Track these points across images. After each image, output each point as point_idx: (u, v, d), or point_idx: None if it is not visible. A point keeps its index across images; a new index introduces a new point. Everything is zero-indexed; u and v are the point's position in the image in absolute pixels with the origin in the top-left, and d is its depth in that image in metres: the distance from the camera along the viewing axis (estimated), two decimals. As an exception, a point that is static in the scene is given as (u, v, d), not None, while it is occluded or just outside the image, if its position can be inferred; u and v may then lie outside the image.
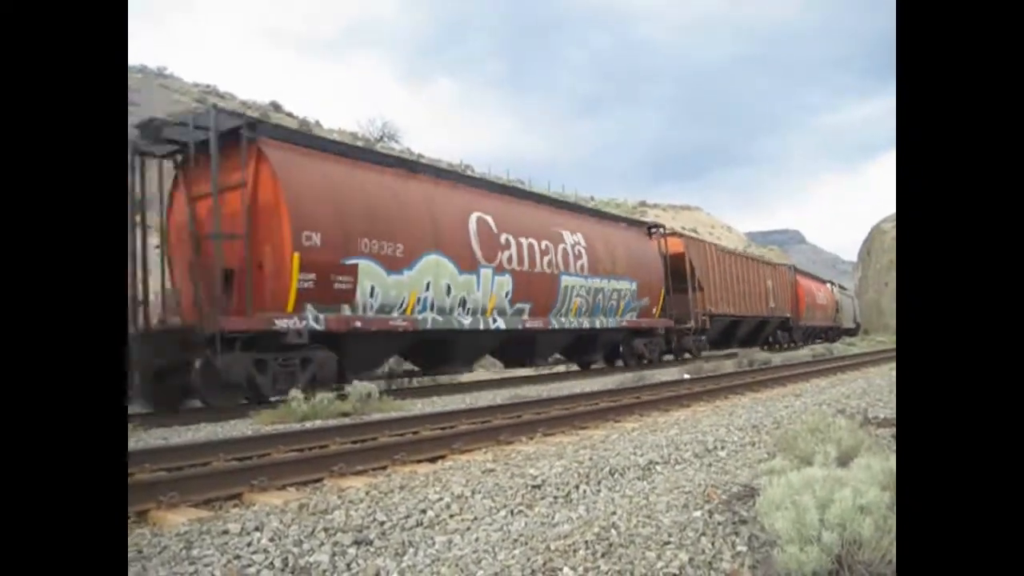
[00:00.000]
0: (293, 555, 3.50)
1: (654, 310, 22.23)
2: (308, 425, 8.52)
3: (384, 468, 5.76)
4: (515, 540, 3.61)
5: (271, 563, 3.41)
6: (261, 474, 5.17)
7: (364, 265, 12.56)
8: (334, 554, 3.52)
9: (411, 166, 15.68)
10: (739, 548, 3.36)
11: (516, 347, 17.72)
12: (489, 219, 15.61)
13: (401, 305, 13.33)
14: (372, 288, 12.71)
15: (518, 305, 16.29)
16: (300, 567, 3.38)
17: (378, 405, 10.21)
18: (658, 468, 5.39)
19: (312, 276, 11.65)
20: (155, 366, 11.16)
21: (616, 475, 5.11)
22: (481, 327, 15.17)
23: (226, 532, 3.89)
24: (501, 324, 15.72)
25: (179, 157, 12.50)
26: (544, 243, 17.22)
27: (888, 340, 34.20)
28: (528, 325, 16.60)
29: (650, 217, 63.67)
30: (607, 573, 3.12)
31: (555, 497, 4.54)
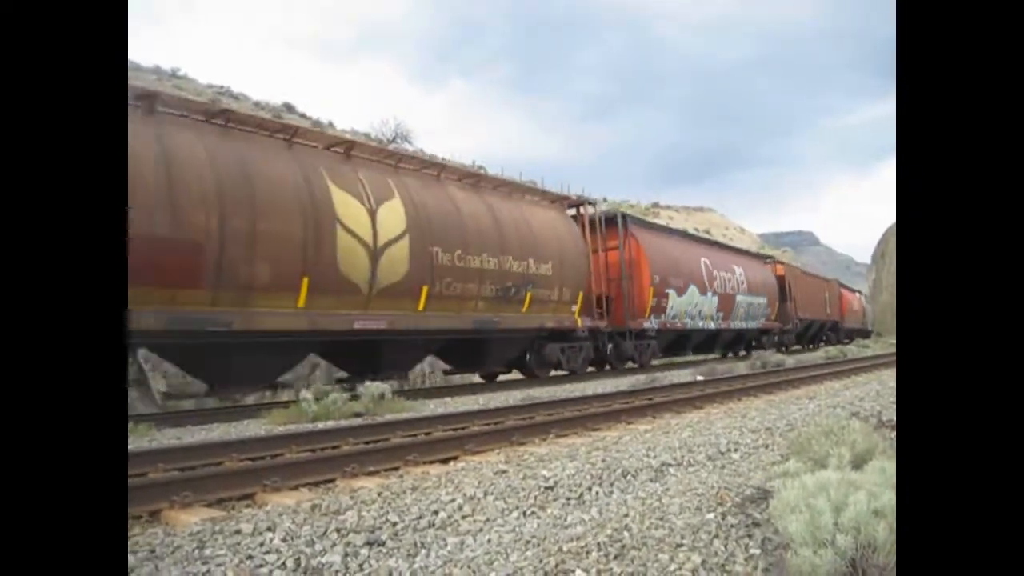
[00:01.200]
0: (305, 555, 3.50)
1: (773, 316, 31.19)
2: (320, 425, 8.54)
3: (396, 469, 5.77)
4: (527, 542, 3.61)
5: (283, 563, 3.42)
6: (274, 474, 5.19)
7: (670, 293, 22.01)
8: (346, 555, 3.52)
9: (693, 237, 29.61)
10: (752, 551, 3.35)
11: (706, 340, 26.88)
12: (707, 261, 25.46)
13: (680, 315, 22.75)
14: (672, 306, 22.09)
15: (719, 314, 25.60)
16: (312, 568, 3.39)
17: (390, 405, 10.22)
18: (671, 470, 5.37)
19: (655, 299, 21.00)
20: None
21: (629, 477, 5.10)
22: (704, 327, 24.70)
23: (239, 532, 3.90)
24: (712, 326, 25.35)
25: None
26: (728, 275, 26.54)
27: None
28: (721, 326, 26.07)
29: (663, 219, 63.56)
30: (620, 575, 3.11)
31: (568, 499, 4.53)
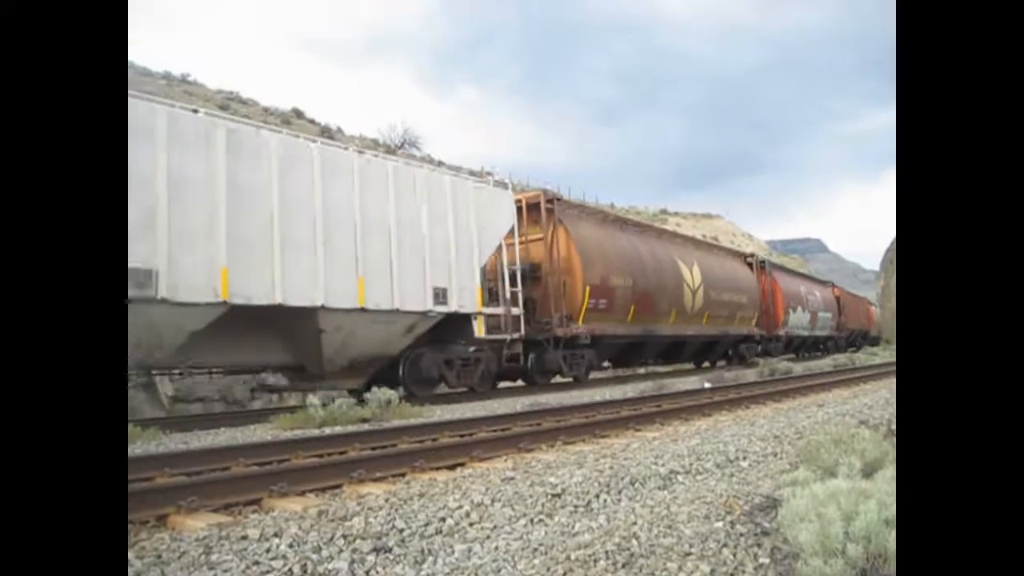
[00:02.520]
0: (312, 562, 3.49)
1: (835, 327, 40.37)
2: (327, 431, 8.54)
3: (403, 475, 5.75)
4: (535, 549, 3.59)
5: (290, 569, 3.41)
6: (280, 479, 5.18)
7: (791, 311, 32.03)
8: (353, 561, 3.51)
9: (804, 276, 42.54)
10: (761, 560, 3.33)
11: (803, 343, 36.09)
12: (803, 288, 35.70)
13: (795, 326, 33.14)
14: (791, 320, 32.07)
15: (809, 325, 35.28)
16: (319, 574, 3.38)
17: (397, 411, 10.22)
18: (679, 478, 5.35)
19: (784, 315, 32.08)
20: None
21: (637, 484, 5.08)
22: (802, 335, 34.67)
23: (245, 538, 3.89)
24: (805, 333, 35.09)
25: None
26: (812, 297, 36.18)
27: None
28: (810, 334, 36.17)
29: (671, 225, 63.50)
30: (628, 584, 3.10)
31: (575, 506, 4.51)
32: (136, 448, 7.35)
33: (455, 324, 14.30)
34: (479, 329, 14.68)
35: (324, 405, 9.73)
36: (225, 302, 10.32)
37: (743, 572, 3.21)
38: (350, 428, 8.83)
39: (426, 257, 13.51)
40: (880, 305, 63.23)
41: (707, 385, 14.92)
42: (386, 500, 4.67)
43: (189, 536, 3.97)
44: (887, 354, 36.02)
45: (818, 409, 10.15)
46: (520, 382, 17.12)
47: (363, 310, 12.22)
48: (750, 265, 29.59)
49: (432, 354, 14.06)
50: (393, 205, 13.05)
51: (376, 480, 5.55)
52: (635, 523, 3.96)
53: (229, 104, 48.75)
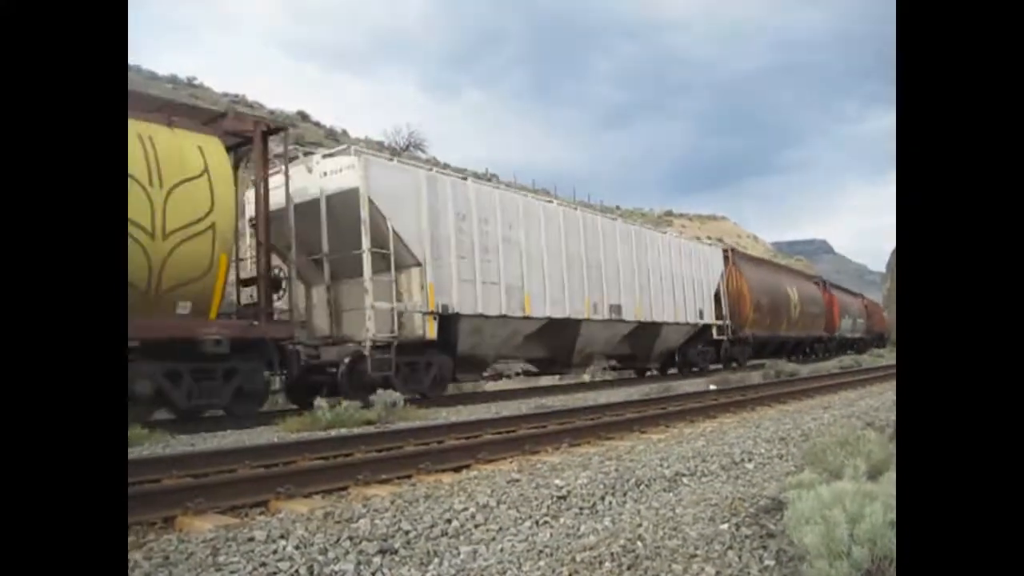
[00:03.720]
0: (318, 563, 3.50)
1: (865, 329, 45.86)
2: (333, 433, 8.55)
3: (409, 477, 5.76)
4: (540, 551, 3.60)
5: (296, 571, 3.42)
6: (287, 481, 5.19)
7: (844, 317, 40.53)
8: (359, 563, 3.52)
9: (852, 292, 48.81)
10: (767, 562, 3.33)
11: (847, 342, 41.95)
12: (847, 299, 42.92)
13: (844, 328, 40.92)
14: (844, 325, 40.87)
15: (851, 328, 42.25)
16: (325, 575, 3.39)
17: (403, 414, 10.23)
18: (685, 480, 5.35)
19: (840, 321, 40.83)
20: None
21: (642, 486, 5.08)
22: (847, 336, 41.73)
23: (252, 539, 3.90)
24: (849, 335, 41.54)
25: None
26: (853, 307, 43.13)
27: None
28: (851, 335, 42.33)
29: (676, 227, 63.39)
30: (633, 586, 3.10)
31: (580, 508, 4.52)
32: (143, 450, 7.38)
33: (702, 330, 23.58)
34: (715, 333, 24.20)
35: (331, 407, 9.74)
36: (548, 318, 16.21)
37: (748, 574, 3.21)
38: (356, 430, 8.83)
39: (691, 291, 22.77)
40: (887, 307, 63.90)
41: (712, 387, 14.91)
42: (392, 502, 4.68)
43: (196, 537, 3.98)
44: (893, 355, 36.40)
45: (824, 411, 10.14)
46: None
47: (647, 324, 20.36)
48: (817, 284, 38.78)
49: (692, 348, 23.58)
50: (669, 260, 21.70)
51: (382, 482, 5.57)
52: (640, 525, 3.96)
53: (234, 107, 48.83)
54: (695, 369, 23.43)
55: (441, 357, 13.94)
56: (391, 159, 15.45)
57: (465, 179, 15.72)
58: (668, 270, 21.37)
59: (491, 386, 18.64)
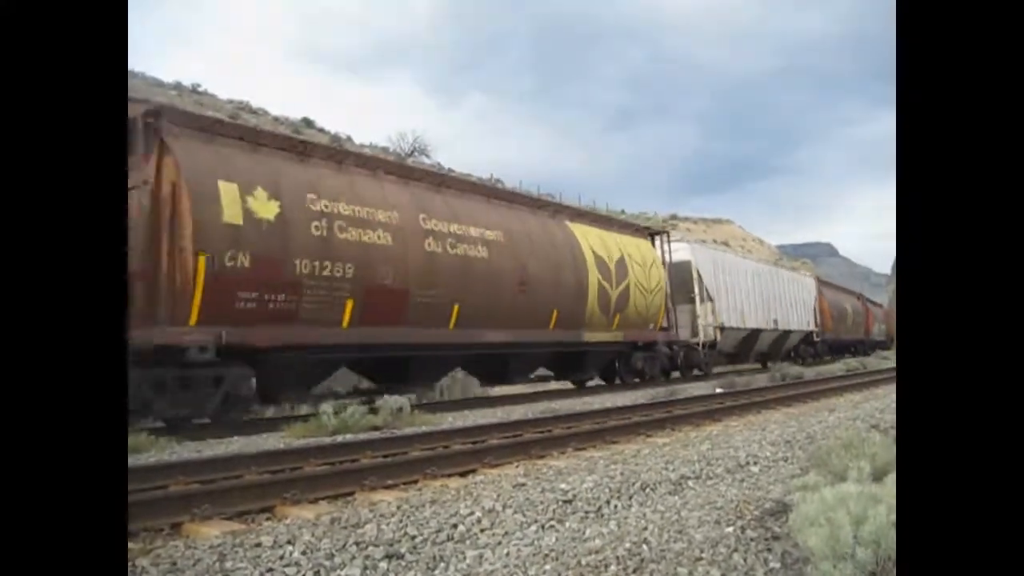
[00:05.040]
0: (325, 568, 3.52)
1: (886, 331, 52.15)
2: (339, 439, 8.57)
3: (415, 482, 5.78)
4: (546, 555, 3.61)
5: (303, 576, 3.44)
6: (293, 487, 5.21)
7: (876, 321, 51.61)
8: (365, 568, 3.53)
9: (868, 299, 53.42)
10: (772, 564, 3.34)
11: (874, 343, 47.94)
12: (880, 312, 52.75)
13: (876, 333, 50.26)
14: (876, 330, 50.23)
15: (882, 332, 50.40)
16: (332, 580, 3.41)
17: (409, 419, 10.24)
18: (690, 483, 5.36)
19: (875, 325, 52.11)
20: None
21: (647, 490, 5.09)
22: (874, 340, 48.71)
23: (259, 545, 3.92)
24: (875, 338, 49.79)
25: None
26: (881, 315, 53.08)
27: None
28: (883, 338, 50.37)
29: (681, 230, 63.38)
30: (638, 589, 3.11)
31: (586, 512, 4.53)
32: (149, 457, 7.39)
33: (808, 335, 33.47)
34: (814, 338, 34.34)
35: (336, 413, 9.75)
36: (752, 328, 26.44)
37: (754, 577, 3.22)
38: (362, 436, 8.85)
39: (802, 309, 32.40)
40: (892, 308, 65.35)
41: (719, 390, 14.90)
42: (398, 507, 4.70)
43: (203, 544, 4.00)
44: (890, 361, 36.82)
45: (829, 414, 10.13)
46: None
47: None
48: (859, 299, 47.64)
49: (799, 345, 33.29)
50: (792, 289, 31.93)
51: (388, 487, 5.58)
52: (646, 528, 3.97)
53: (239, 114, 48.96)
54: (799, 361, 31.82)
55: (710, 352, 23.06)
56: (703, 242, 31.44)
57: (725, 252, 32.17)
58: (792, 296, 31.46)
59: (498, 391, 18.64)
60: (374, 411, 10.29)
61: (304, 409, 11.94)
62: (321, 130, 56.29)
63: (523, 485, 5.28)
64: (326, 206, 11.32)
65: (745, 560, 3.41)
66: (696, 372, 22.04)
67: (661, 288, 19.48)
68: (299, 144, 12.76)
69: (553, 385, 19.28)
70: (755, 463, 6.13)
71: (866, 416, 9.49)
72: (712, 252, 26.65)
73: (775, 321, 28.48)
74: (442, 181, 15.14)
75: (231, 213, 10.13)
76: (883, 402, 11.68)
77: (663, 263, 20.18)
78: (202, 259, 9.70)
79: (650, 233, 21.65)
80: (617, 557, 3.47)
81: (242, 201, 10.28)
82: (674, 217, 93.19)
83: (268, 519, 4.78)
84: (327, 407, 10.01)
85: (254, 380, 10.68)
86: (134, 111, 9.76)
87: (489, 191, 17.34)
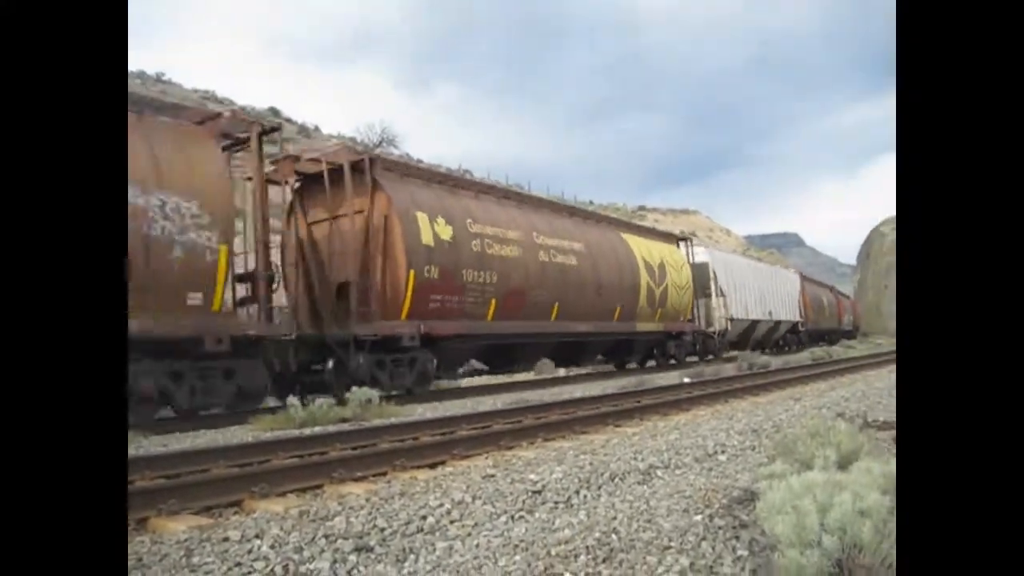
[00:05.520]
0: (294, 562, 3.49)
1: (852, 320, 54.00)
2: (307, 431, 8.52)
3: (384, 474, 5.76)
4: (516, 546, 3.62)
5: (272, 570, 3.41)
6: (261, 481, 5.17)
7: (846, 314, 55.95)
8: (335, 561, 3.52)
9: (841, 293, 57.30)
10: (740, 552, 3.37)
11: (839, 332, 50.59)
12: (848, 303, 57.19)
13: (846, 322, 54.31)
14: (846, 319, 55.13)
15: (850, 320, 55.09)
16: (301, 574, 3.39)
17: (378, 411, 10.20)
18: (658, 472, 5.39)
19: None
20: None
21: (617, 480, 5.11)
22: (849, 328, 54.28)
23: (226, 539, 3.89)
24: (849, 327, 52.73)
25: None
26: (848, 304, 56.72)
27: (887, 343, 43.38)
28: (850, 327, 53.83)
29: (649, 221, 63.64)
30: (608, 578, 3.13)
31: (556, 502, 4.54)
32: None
33: (794, 325, 37.08)
34: (799, 328, 37.84)
35: (304, 405, 9.70)
36: (751, 320, 30.66)
37: (721, 564, 3.25)
38: (330, 428, 8.81)
39: (788, 302, 36.19)
40: (858, 298, 66.71)
41: (686, 380, 15.00)
42: (367, 500, 4.68)
43: (170, 539, 3.96)
44: (864, 347, 37.28)
45: (795, 403, 10.24)
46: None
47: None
48: (832, 291, 51.08)
49: (786, 334, 36.62)
50: (781, 284, 36.12)
51: (357, 480, 5.56)
52: (615, 518, 3.99)
53: (205, 103, 48.36)
54: (786, 348, 36.70)
55: (722, 340, 27.21)
56: (718, 248, 37.72)
57: (733, 254, 38.63)
58: (781, 291, 35.71)
59: (466, 382, 18.65)
60: (343, 403, 10.24)
61: (271, 402, 11.87)
62: (288, 120, 55.73)
63: (492, 476, 5.29)
64: (479, 228, 15.33)
65: (713, 548, 3.44)
66: (709, 356, 25.84)
67: (689, 286, 23.87)
68: (452, 179, 17.67)
69: (519, 376, 19.38)
70: (723, 452, 6.19)
71: (832, 405, 9.61)
72: (724, 254, 32.22)
73: (770, 313, 32.97)
74: (541, 203, 20.32)
75: (426, 237, 13.85)
76: (848, 391, 11.84)
77: (689, 264, 24.57)
78: (412, 272, 13.37)
79: (677, 239, 26.58)
80: (587, 547, 3.49)
81: (431, 227, 14.07)
82: (642, 208, 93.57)
83: (236, 513, 4.74)
84: (294, 399, 9.96)
85: (435, 361, 14.38)
86: (341, 157, 13.88)
87: (572, 210, 22.43)
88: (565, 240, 18.13)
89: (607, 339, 20.37)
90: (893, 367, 19.13)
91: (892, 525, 2.69)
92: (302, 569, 3.43)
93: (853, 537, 2.68)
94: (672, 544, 3.50)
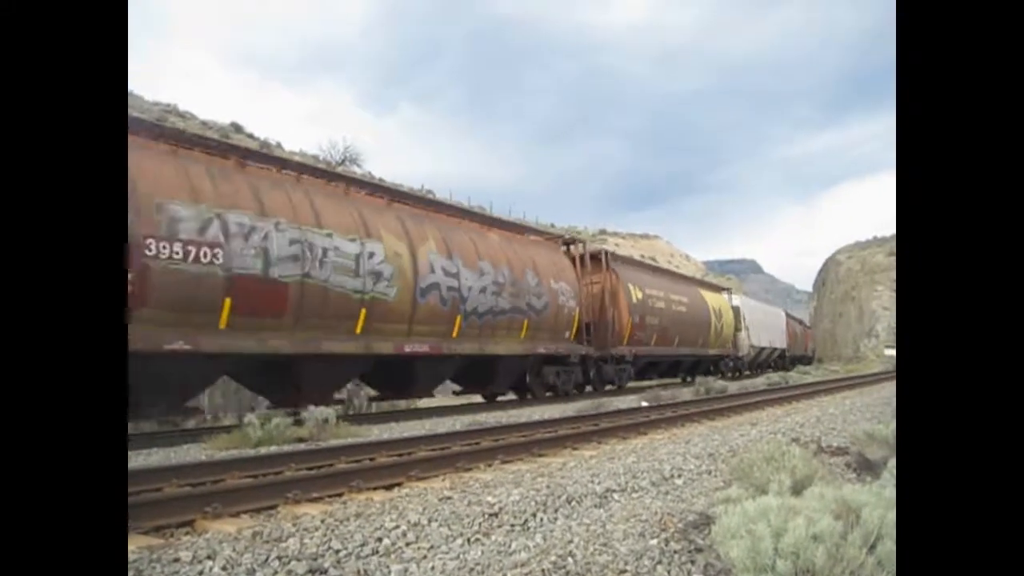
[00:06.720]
0: (246, 584, 3.44)
1: (810, 347, 61.60)
2: (263, 451, 8.42)
3: (340, 495, 5.71)
4: (471, 569, 3.60)
5: (223, 592, 3.36)
6: (214, 500, 5.09)
7: (809, 342, 65.05)
8: (288, 583, 3.47)
9: (791, 317, 58.50)
10: (695, 577, 3.38)
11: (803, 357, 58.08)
12: (800, 330, 58.50)
13: (809, 348, 64.06)
14: (806, 345, 62.02)
15: (804, 348, 58.49)
16: (253, 596, 3.34)
17: (335, 431, 10.12)
18: (615, 496, 5.40)
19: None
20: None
21: (573, 503, 5.11)
22: (807, 353, 60.70)
23: (177, 560, 3.82)
24: (807, 352, 59.68)
25: None
26: (804, 333, 62.81)
27: (842, 369, 49.96)
28: (806, 353, 58.90)
29: (610, 245, 64.08)
30: (563, 602, 3.12)
31: (512, 525, 4.52)
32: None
33: (781, 352, 46.13)
34: (785, 354, 46.66)
35: (261, 424, 9.59)
36: (759, 347, 40.53)
37: (676, 589, 3.26)
38: (287, 448, 8.71)
39: (779, 332, 45.77)
40: (813, 325, 68.89)
41: (644, 403, 15.07)
42: (322, 521, 4.63)
43: (118, 559, 3.88)
44: (819, 373, 38.25)
45: (751, 428, 10.33)
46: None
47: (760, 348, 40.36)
48: (800, 323, 58.17)
49: (776, 360, 45.36)
50: (771, 318, 45.55)
51: (312, 500, 5.50)
52: (571, 541, 3.99)
53: (167, 117, 47.86)
54: (771, 370, 41.06)
55: (744, 362, 36.99)
56: (744, 296, 45.96)
57: (751, 299, 46.61)
58: (774, 324, 44.39)
59: (424, 403, 18.57)
60: (299, 422, 10.14)
61: (227, 420, 11.72)
62: (250, 136, 55.30)
63: (449, 498, 5.26)
64: (650, 292, 25.19)
65: (669, 572, 3.45)
66: (738, 374, 36.58)
67: (731, 323, 34.42)
68: (635, 263, 29.77)
69: (477, 398, 19.34)
70: (679, 476, 6.22)
71: (787, 430, 9.71)
72: (746, 299, 42.20)
73: (770, 342, 42.53)
74: (665, 271, 33.51)
75: (635, 298, 23.75)
76: (804, 416, 11.97)
77: (731, 308, 35.37)
78: (630, 318, 23.03)
79: (722, 289, 38.49)
80: (543, 570, 3.48)
81: (637, 292, 24.02)
82: (603, 232, 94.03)
83: (187, 533, 4.66)
84: (252, 417, 9.85)
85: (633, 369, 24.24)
86: (598, 249, 23.98)
87: (682, 276, 35.69)
88: (682, 296, 28.26)
89: (692, 359, 30.50)
90: (846, 393, 19.41)
91: (844, 550, 2.72)
92: (254, 591, 3.39)
93: (806, 562, 2.72)
94: (628, 568, 3.50)
